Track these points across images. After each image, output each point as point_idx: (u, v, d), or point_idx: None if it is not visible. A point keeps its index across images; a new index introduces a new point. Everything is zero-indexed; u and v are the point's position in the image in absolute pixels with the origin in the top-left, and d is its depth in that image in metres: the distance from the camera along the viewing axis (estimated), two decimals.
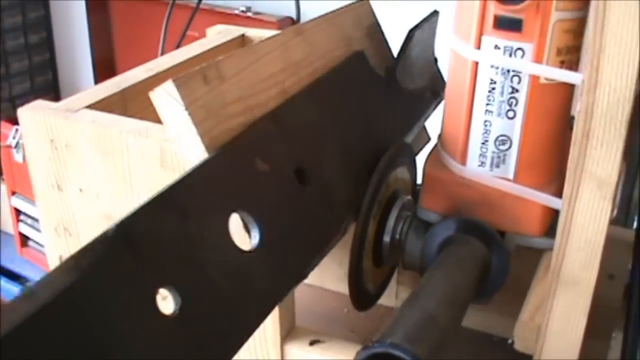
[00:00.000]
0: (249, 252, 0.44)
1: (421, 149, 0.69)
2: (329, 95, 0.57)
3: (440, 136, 0.58)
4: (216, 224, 0.42)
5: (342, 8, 0.63)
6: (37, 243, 1.53)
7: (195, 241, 0.40)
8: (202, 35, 1.30)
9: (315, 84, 0.56)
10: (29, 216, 1.51)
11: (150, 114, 0.66)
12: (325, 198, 0.53)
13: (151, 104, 0.63)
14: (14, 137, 1.40)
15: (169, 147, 0.50)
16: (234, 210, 0.44)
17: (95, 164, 0.54)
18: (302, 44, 0.57)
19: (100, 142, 0.53)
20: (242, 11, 1.33)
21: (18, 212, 1.52)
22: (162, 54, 1.33)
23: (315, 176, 0.51)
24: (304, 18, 1.30)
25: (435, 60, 0.72)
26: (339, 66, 0.59)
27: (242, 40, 0.72)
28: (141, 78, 0.61)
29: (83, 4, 1.48)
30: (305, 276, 0.49)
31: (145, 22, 1.49)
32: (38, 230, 1.51)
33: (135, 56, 1.52)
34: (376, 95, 0.63)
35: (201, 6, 1.32)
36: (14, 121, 1.39)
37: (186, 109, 0.45)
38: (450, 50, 0.54)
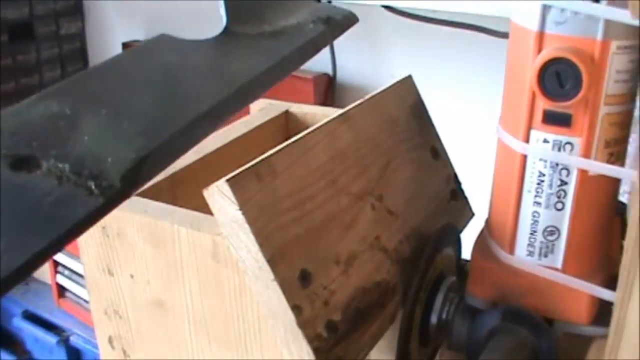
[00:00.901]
0: None
1: (465, 225, 0.70)
2: None
3: (487, 223, 0.58)
4: None
5: (386, 89, 0.64)
6: (74, 294, 1.55)
7: None
8: None
9: None
10: (67, 267, 1.52)
11: (199, 200, 0.67)
12: None
13: (200, 189, 0.64)
14: None
15: (221, 242, 0.50)
16: None
17: (146, 253, 0.55)
18: (348, 131, 0.58)
19: (152, 233, 0.54)
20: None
21: (56, 263, 1.54)
22: None
23: None
24: (340, 74, 1.32)
25: None
26: None
27: (286, 116, 0.73)
28: (189, 162, 0.62)
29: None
30: None
31: None
32: (75, 281, 1.53)
33: None
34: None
35: None
36: None
37: (240, 208, 0.46)
38: (497, 141, 0.55)
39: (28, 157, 0.32)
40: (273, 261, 0.47)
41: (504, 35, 1.02)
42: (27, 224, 0.29)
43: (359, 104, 0.60)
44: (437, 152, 0.68)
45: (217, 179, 0.69)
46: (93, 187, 0.31)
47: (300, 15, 0.58)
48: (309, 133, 0.54)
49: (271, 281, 0.47)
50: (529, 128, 0.51)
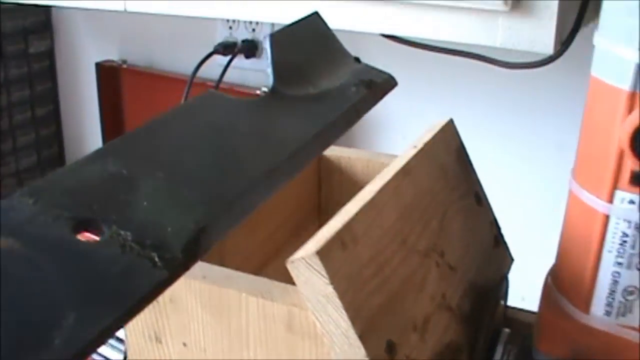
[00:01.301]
0: None
1: (508, 272, 0.68)
2: None
3: (554, 277, 0.56)
4: None
5: (435, 135, 0.62)
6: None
7: None
8: None
9: None
10: None
11: (247, 254, 0.63)
12: None
13: (247, 244, 0.60)
14: None
15: (297, 312, 0.47)
16: None
17: (205, 320, 0.51)
18: (409, 185, 0.55)
19: (213, 300, 0.50)
20: (264, 92, 1.30)
21: None
22: None
23: None
24: None
25: (357, 59, 0.62)
26: None
27: (319, 162, 0.70)
28: None
29: (94, 78, 1.45)
30: None
31: (156, 97, 1.46)
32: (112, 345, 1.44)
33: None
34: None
35: (220, 85, 1.30)
36: None
37: (331, 282, 0.43)
38: (569, 195, 0.53)
39: (89, 220, 0.31)
40: (363, 337, 0.44)
41: (507, 65, 1.02)
42: (95, 294, 0.27)
43: (415, 155, 0.58)
44: (480, 198, 0.66)
45: (265, 234, 0.66)
46: (156, 258, 0.30)
47: (342, 77, 0.57)
48: (378, 193, 0.51)
49: (363, 358, 0.44)
50: (614, 188, 0.49)
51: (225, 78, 1.31)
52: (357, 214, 0.48)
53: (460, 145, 0.66)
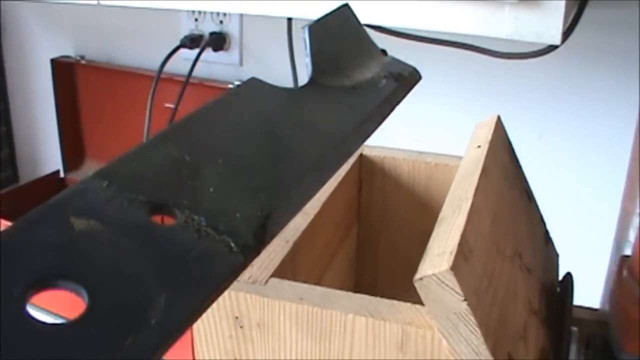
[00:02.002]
0: None
1: (558, 267, 0.67)
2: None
3: (634, 272, 0.56)
4: None
5: (493, 133, 0.60)
6: None
7: None
8: (185, 106, 1.22)
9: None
10: None
11: (318, 269, 0.60)
12: None
13: (316, 256, 0.57)
14: None
15: (415, 332, 0.44)
16: None
17: (300, 346, 0.47)
18: (490, 187, 0.53)
19: (312, 323, 0.46)
20: (237, 86, 1.25)
21: None
22: (149, 127, 1.25)
23: None
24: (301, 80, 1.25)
25: (384, 51, 0.62)
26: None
27: (360, 159, 0.67)
28: (300, 229, 0.55)
29: (48, 75, 1.36)
30: None
31: (117, 94, 1.39)
32: None
33: (105, 132, 1.42)
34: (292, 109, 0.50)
35: (190, 79, 1.24)
36: None
37: (465, 299, 0.41)
38: None
39: (163, 205, 0.31)
40: (494, 352, 0.42)
41: (500, 54, 1.01)
42: (180, 277, 0.28)
43: (487, 156, 0.56)
44: (530, 195, 0.65)
45: (331, 245, 0.62)
46: (232, 244, 0.30)
47: (373, 69, 0.57)
48: (474, 200, 0.49)
49: None
50: None
51: (193, 72, 1.25)
52: (467, 223, 0.45)
53: (509, 142, 0.64)
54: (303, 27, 0.52)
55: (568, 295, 0.57)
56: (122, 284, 0.26)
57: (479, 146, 0.58)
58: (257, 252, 0.32)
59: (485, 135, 0.60)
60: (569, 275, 0.60)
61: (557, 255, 0.68)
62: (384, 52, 0.62)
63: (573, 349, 0.57)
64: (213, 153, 0.36)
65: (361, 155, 0.67)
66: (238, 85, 0.46)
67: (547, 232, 0.66)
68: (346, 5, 0.58)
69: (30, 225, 0.27)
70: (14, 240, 0.26)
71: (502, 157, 0.60)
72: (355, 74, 0.54)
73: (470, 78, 1.15)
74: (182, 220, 0.30)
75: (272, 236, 0.33)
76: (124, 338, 0.24)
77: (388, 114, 0.53)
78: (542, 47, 0.93)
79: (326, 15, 0.55)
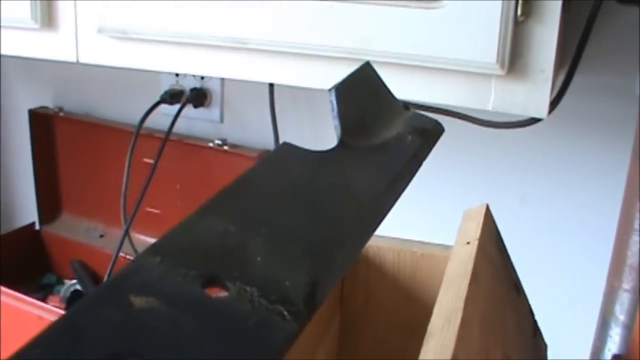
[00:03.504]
0: None
1: (546, 357, 0.65)
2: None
3: None
4: None
5: (482, 227, 0.58)
6: None
7: None
8: (164, 162, 1.19)
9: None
10: None
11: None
12: None
13: (301, 351, 0.55)
14: None
15: None
16: None
17: None
18: (480, 291, 0.52)
19: None
20: (218, 145, 1.24)
21: None
22: (127, 183, 1.22)
23: None
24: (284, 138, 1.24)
25: (406, 106, 0.62)
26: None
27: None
28: None
29: (26, 127, 1.33)
30: None
31: (95, 148, 1.36)
32: None
33: (82, 186, 1.39)
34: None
35: (170, 135, 1.22)
36: None
37: None
38: None
39: (215, 277, 0.32)
40: None
41: (486, 123, 1.00)
42: (238, 350, 0.28)
43: (476, 256, 0.54)
44: (519, 288, 0.63)
45: (313, 335, 0.59)
46: (285, 312, 0.31)
47: (398, 125, 0.57)
48: (464, 309, 0.47)
49: None
50: None
51: (173, 128, 1.23)
52: (458, 339, 0.43)
53: (499, 234, 0.63)
54: (329, 90, 0.52)
55: None
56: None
57: (467, 243, 0.56)
58: (309, 319, 0.33)
59: (474, 229, 0.58)
60: None
61: (545, 346, 0.67)
62: (406, 106, 0.62)
63: None
64: (255, 222, 0.38)
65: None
66: (271, 152, 0.48)
67: (535, 323, 0.65)
68: (367, 63, 0.59)
69: (94, 305, 0.28)
70: (79, 320, 0.27)
71: (491, 252, 0.58)
72: (381, 131, 0.55)
73: (455, 143, 1.14)
74: (235, 292, 0.31)
75: (321, 302, 0.34)
76: None
77: (417, 170, 0.54)
78: (526, 118, 0.92)
79: (350, 75, 0.56)
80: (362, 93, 0.56)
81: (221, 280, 0.32)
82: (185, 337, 0.28)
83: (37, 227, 1.41)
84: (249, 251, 0.35)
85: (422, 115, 0.60)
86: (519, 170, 1.12)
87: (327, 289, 0.36)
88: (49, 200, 1.39)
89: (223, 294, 0.32)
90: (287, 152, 0.46)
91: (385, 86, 0.59)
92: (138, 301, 0.29)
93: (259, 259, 0.34)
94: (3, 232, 1.38)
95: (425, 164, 1.21)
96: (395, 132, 0.55)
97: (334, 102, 0.51)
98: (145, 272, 0.31)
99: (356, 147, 0.51)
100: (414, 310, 0.64)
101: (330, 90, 0.51)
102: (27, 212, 1.43)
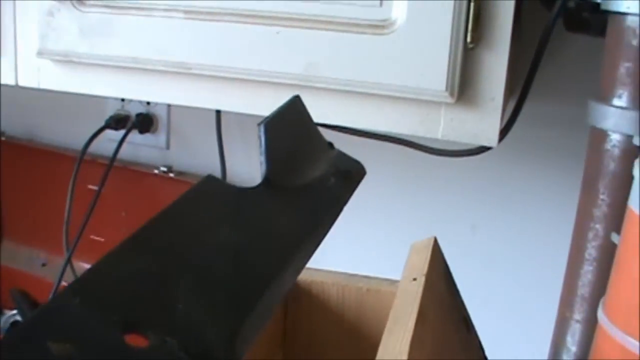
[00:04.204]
0: None
1: None
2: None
3: None
4: None
5: (429, 262, 0.56)
6: None
7: None
8: (109, 189, 1.16)
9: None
10: None
11: None
12: None
13: None
14: None
15: None
16: None
17: None
18: (428, 333, 0.49)
19: None
20: (164, 172, 1.21)
21: None
22: (70, 210, 1.18)
23: None
24: (230, 175, 1.21)
25: (330, 144, 0.61)
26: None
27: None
28: None
29: None
30: None
31: (38, 173, 1.32)
32: None
33: (24, 212, 1.35)
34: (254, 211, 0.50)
35: (115, 162, 1.18)
36: None
37: None
38: (599, 329, 0.49)
39: (135, 324, 0.31)
40: None
41: (436, 151, 0.99)
42: None
43: (424, 294, 0.52)
44: (468, 323, 0.61)
45: None
46: None
47: (322, 166, 0.56)
48: (410, 353, 0.44)
49: None
50: None
51: (118, 154, 1.20)
52: None
53: (447, 268, 0.61)
54: (259, 125, 0.51)
55: None
56: None
57: (414, 279, 0.54)
58: None
59: (422, 264, 0.56)
60: None
61: None
62: (330, 145, 0.61)
63: None
64: (177, 262, 0.37)
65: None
66: (195, 185, 0.46)
67: (485, 359, 0.63)
68: (297, 97, 0.58)
69: (13, 350, 0.27)
70: None
71: (439, 288, 0.56)
72: (306, 171, 0.54)
73: (404, 172, 1.13)
74: (156, 343, 0.31)
75: (243, 354, 0.34)
76: None
77: (337, 216, 0.54)
78: (478, 145, 0.91)
79: (279, 109, 0.54)
80: (291, 128, 0.55)
81: (142, 328, 0.31)
82: None
83: None
84: (171, 295, 0.34)
85: (346, 155, 0.59)
86: (470, 199, 1.11)
87: (248, 341, 0.35)
88: None
89: (143, 342, 0.31)
90: (211, 186, 0.46)
91: (312, 121, 0.58)
92: (56, 348, 0.28)
93: (180, 305, 0.34)
94: None
95: (373, 193, 1.20)
96: (319, 173, 0.55)
97: (262, 138, 0.50)
98: (64, 315, 0.30)
99: (280, 187, 0.51)
100: (359, 347, 0.62)
101: (259, 125, 0.50)
102: None
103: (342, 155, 0.59)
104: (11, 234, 1.37)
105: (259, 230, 0.46)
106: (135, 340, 0.31)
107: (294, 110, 0.56)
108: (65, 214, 1.18)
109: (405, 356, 0.44)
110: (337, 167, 0.56)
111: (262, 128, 0.50)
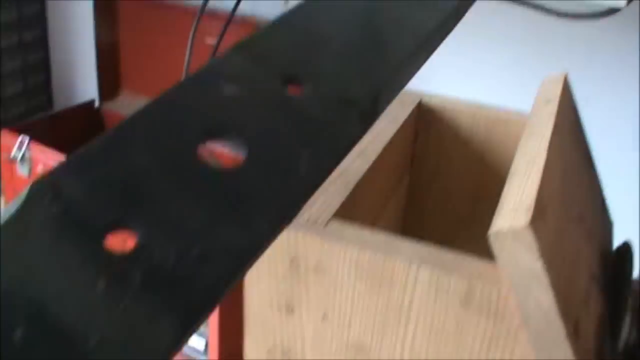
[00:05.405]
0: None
1: (612, 235, 0.65)
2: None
3: None
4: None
5: (562, 90, 0.58)
6: None
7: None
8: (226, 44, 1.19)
9: None
10: None
11: (375, 215, 0.58)
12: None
13: (374, 202, 0.55)
14: (19, 149, 1.23)
15: (481, 287, 0.43)
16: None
17: (357, 293, 0.46)
18: (560, 145, 0.51)
19: (372, 270, 0.45)
20: None
21: None
22: (189, 63, 1.22)
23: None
24: None
25: None
26: None
27: (418, 107, 0.65)
28: (361, 171, 0.53)
29: (88, 4, 1.33)
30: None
31: (156, 29, 1.36)
32: None
33: (143, 65, 1.40)
34: None
35: (234, 16, 1.21)
36: (16, 129, 1.23)
37: (540, 257, 0.39)
38: None
39: (294, 76, 0.33)
40: (563, 315, 0.40)
41: (562, 14, 0.97)
42: (314, 139, 0.31)
43: (558, 112, 0.53)
44: (590, 158, 0.63)
45: (385, 191, 0.60)
46: (352, 114, 0.33)
47: None
48: (549, 152, 0.47)
49: (562, 338, 0.40)
50: None
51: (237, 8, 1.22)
52: (542, 179, 0.43)
53: (575, 103, 0.62)
54: None
55: (626, 264, 0.55)
56: (273, 140, 0.30)
57: (548, 100, 0.55)
58: (372, 122, 0.35)
59: (555, 90, 0.57)
60: (627, 244, 0.58)
61: (611, 223, 0.66)
62: None
63: (627, 319, 0.56)
64: (326, 37, 0.39)
65: (420, 102, 0.65)
66: None
67: (604, 200, 0.64)
68: None
69: (189, 88, 0.30)
70: (182, 97, 0.29)
71: (570, 115, 0.58)
72: None
73: (531, 35, 1.12)
74: (311, 91, 0.33)
75: (383, 109, 0.36)
76: (282, 182, 0.28)
77: (463, 15, 0.50)
78: (604, 8, 0.90)
79: None
80: None
81: (299, 79, 0.33)
82: (270, 123, 0.31)
83: (97, 104, 1.43)
84: (322, 58, 0.36)
85: None
86: (591, 65, 1.10)
87: (388, 100, 0.38)
88: (110, 78, 1.41)
89: (299, 91, 0.33)
90: None
91: None
92: (228, 88, 0.31)
93: (331, 65, 0.36)
94: (63, 107, 1.41)
95: (497, 56, 1.17)
96: None
97: None
98: (230, 66, 0.32)
99: None
100: (485, 176, 0.64)
101: None
102: (87, 89, 1.45)
103: None
104: (130, 84, 1.43)
105: (392, 20, 0.46)
106: (292, 90, 0.34)
107: None
108: (185, 67, 1.22)
109: (544, 155, 0.46)
110: None
111: None
